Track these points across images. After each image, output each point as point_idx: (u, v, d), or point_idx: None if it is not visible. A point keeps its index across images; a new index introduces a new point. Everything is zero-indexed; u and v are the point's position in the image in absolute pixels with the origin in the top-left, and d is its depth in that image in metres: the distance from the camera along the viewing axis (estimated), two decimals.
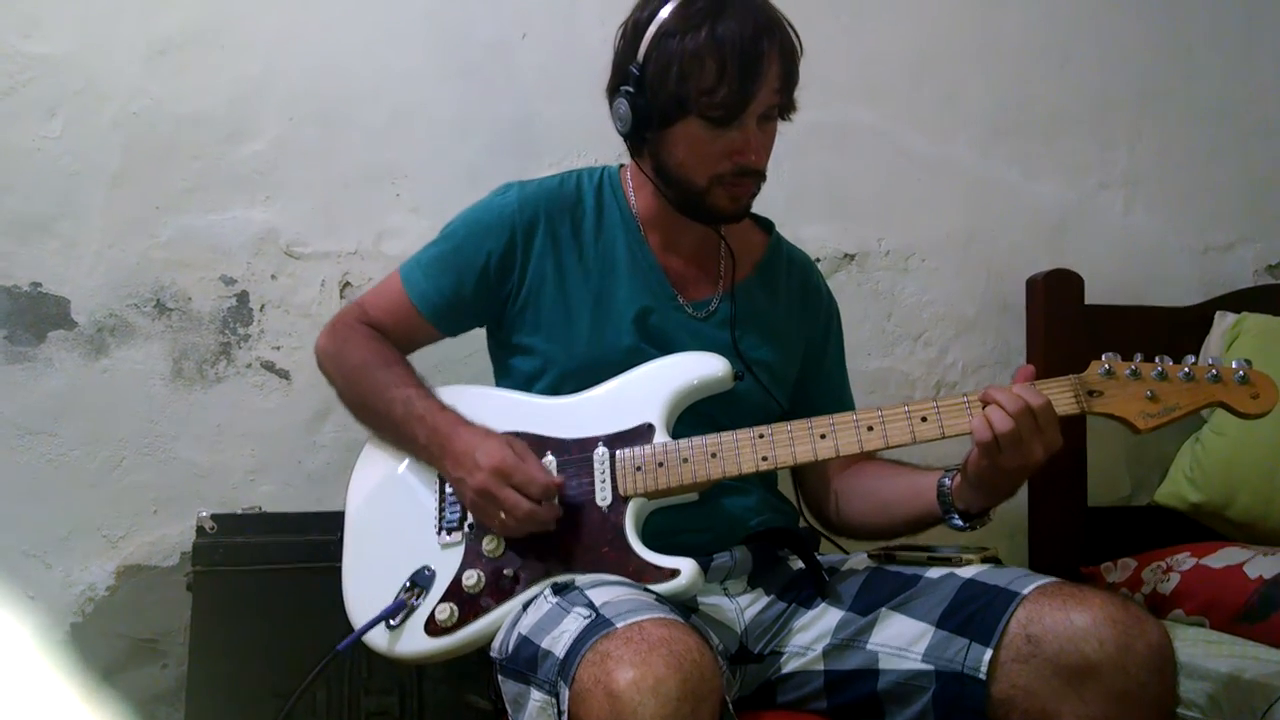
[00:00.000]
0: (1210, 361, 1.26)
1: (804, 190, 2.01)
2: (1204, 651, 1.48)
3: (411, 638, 1.29)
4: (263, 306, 1.83)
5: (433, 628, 1.29)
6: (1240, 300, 2.05)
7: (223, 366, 1.82)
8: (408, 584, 1.32)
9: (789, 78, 1.35)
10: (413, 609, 1.30)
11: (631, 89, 1.34)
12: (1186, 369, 1.26)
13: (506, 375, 1.48)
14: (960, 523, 1.33)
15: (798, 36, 1.36)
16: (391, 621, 1.30)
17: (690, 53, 1.29)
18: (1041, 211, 2.15)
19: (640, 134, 1.37)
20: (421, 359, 1.50)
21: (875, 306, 2.06)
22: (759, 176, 1.39)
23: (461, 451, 1.31)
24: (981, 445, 1.23)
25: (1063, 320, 1.97)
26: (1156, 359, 1.27)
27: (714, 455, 1.31)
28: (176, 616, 1.71)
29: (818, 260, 1.64)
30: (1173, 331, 2.01)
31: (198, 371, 1.81)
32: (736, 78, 1.29)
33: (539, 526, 1.29)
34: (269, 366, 1.83)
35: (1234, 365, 1.25)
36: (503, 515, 1.27)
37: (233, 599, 1.61)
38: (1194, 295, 2.13)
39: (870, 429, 1.30)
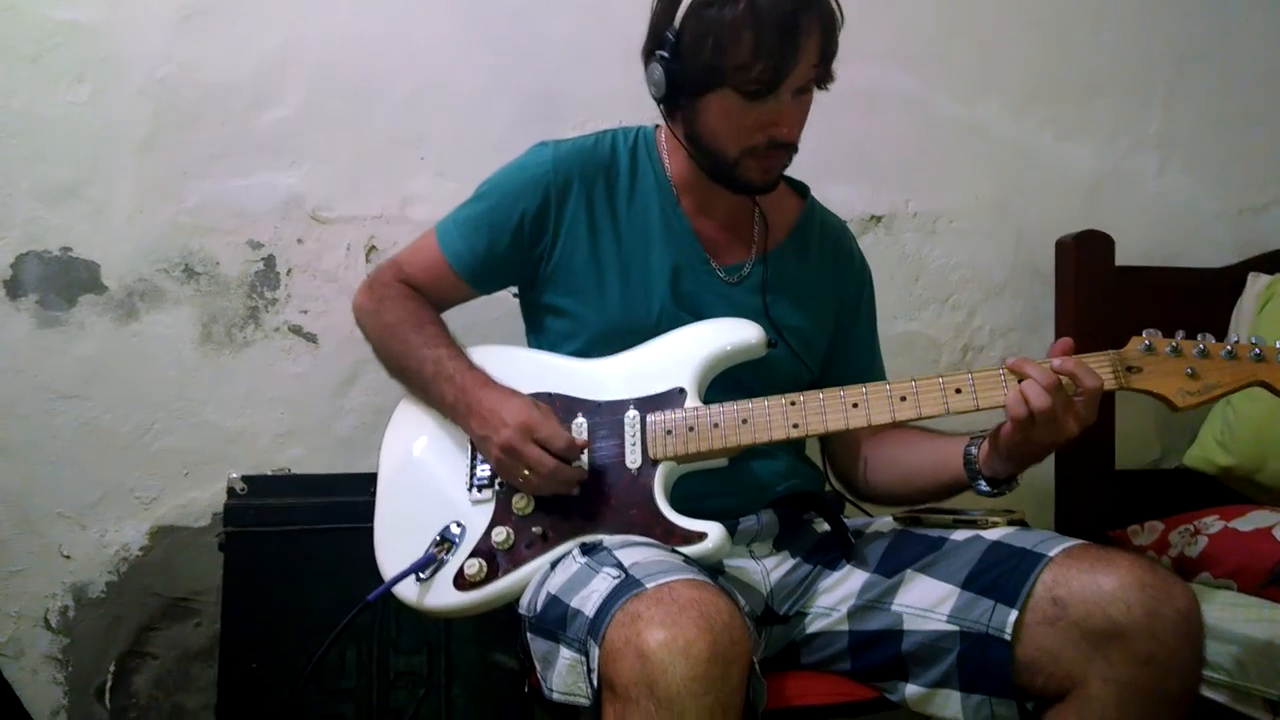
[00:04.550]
0: (1254, 340, 1.22)
1: (832, 152, 1.98)
2: (1231, 615, 1.47)
3: (440, 591, 1.31)
4: (290, 271, 1.84)
5: (461, 582, 1.30)
6: (1274, 262, 2.02)
7: (251, 330, 1.83)
8: (438, 538, 1.33)
9: (828, 50, 1.32)
10: (442, 563, 1.31)
11: (667, 55, 1.32)
12: (1229, 347, 1.22)
13: (539, 333, 1.49)
14: (987, 488, 1.33)
15: (839, 5, 1.32)
16: (421, 574, 1.31)
17: (727, 24, 1.26)
18: (1074, 173, 2.11)
19: (674, 100, 1.36)
20: (453, 320, 1.50)
21: (902, 269, 2.05)
22: (791, 149, 1.37)
23: (488, 410, 1.32)
24: (1016, 420, 1.22)
25: (1093, 282, 1.94)
26: (1199, 336, 1.24)
27: (745, 421, 1.31)
28: (209, 576, 1.74)
29: (846, 223, 1.62)
30: (1205, 293, 1.99)
31: (226, 335, 1.82)
32: (773, 52, 1.26)
33: (563, 486, 1.30)
34: (296, 330, 1.84)
35: (1278, 345, 1.21)
36: (527, 472, 1.28)
37: (263, 559, 1.64)
38: (1227, 257, 2.10)
39: (903, 399, 1.29)
